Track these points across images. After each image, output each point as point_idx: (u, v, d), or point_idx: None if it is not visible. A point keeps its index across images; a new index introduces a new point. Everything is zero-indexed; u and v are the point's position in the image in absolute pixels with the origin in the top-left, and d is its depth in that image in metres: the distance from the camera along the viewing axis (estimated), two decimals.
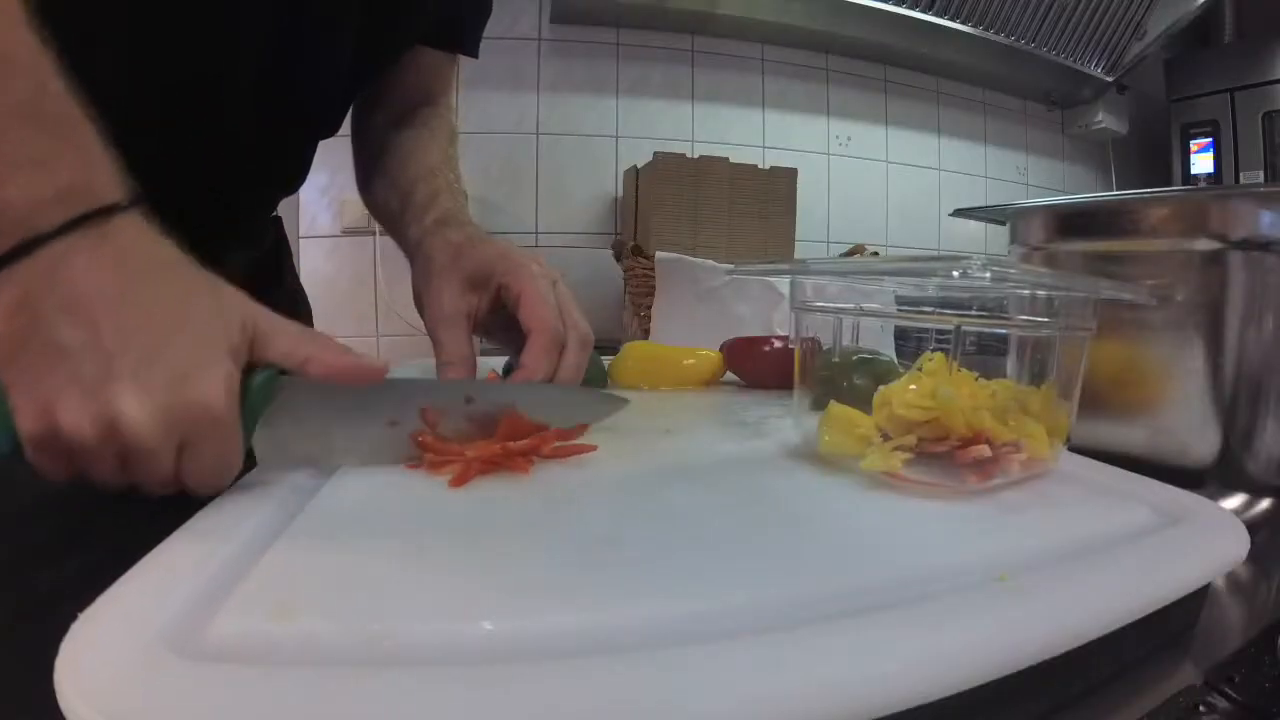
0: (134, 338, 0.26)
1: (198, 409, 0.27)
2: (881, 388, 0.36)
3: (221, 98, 0.43)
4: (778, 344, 0.64)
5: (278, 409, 0.31)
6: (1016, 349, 0.44)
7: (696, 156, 1.19)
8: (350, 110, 0.59)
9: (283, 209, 0.63)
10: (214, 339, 0.28)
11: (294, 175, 0.56)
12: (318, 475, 0.33)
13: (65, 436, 0.26)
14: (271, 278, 0.62)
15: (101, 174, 0.27)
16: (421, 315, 0.47)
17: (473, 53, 0.62)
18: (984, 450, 0.33)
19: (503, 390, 0.38)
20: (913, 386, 0.35)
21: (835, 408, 0.37)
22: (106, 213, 0.26)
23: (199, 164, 0.29)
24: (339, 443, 0.34)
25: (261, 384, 0.30)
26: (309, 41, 0.46)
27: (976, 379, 0.36)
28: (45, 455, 0.27)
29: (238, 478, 0.31)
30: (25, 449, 0.27)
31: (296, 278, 0.66)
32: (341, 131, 0.60)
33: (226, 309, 0.29)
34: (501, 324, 0.46)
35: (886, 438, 0.35)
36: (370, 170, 0.59)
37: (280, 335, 0.31)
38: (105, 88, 0.27)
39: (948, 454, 0.34)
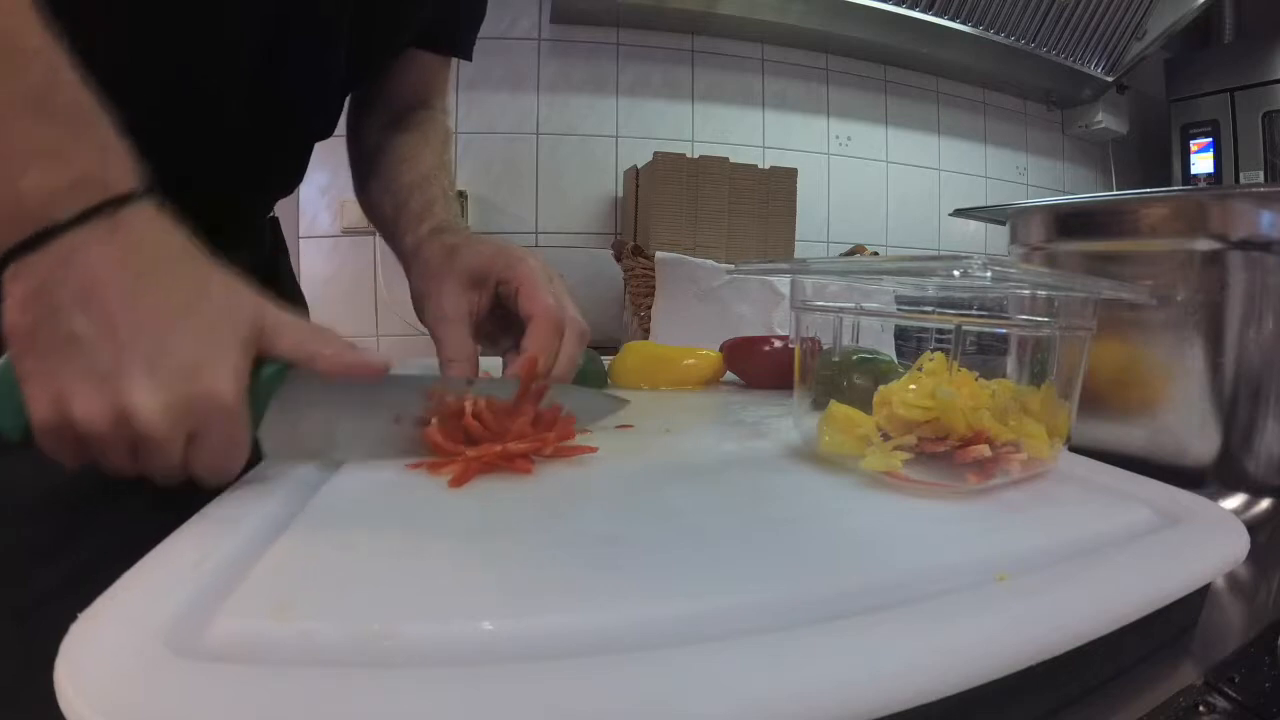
0: (146, 329, 0.26)
1: (208, 400, 0.27)
2: (881, 387, 0.36)
3: (218, 99, 0.43)
4: (777, 344, 0.64)
5: (284, 402, 0.32)
6: (1016, 349, 0.44)
7: (696, 156, 1.19)
8: (345, 112, 0.59)
9: (282, 209, 0.63)
10: (224, 331, 0.28)
11: (290, 177, 0.56)
12: (319, 473, 0.33)
13: (78, 426, 0.26)
14: (269, 279, 0.62)
15: (115, 163, 0.27)
16: (421, 319, 0.47)
17: (466, 55, 0.62)
18: (984, 450, 0.33)
19: (505, 385, 0.38)
20: (913, 386, 0.35)
21: (835, 407, 0.37)
22: (120, 202, 0.27)
23: (195, 166, 0.29)
24: (344, 437, 0.34)
25: (270, 377, 0.31)
26: (304, 43, 0.45)
27: (976, 379, 0.36)
28: (57, 443, 0.27)
29: (245, 469, 0.31)
30: (37, 437, 0.27)
31: (294, 279, 0.66)
32: (342, 132, 0.60)
33: (236, 301, 0.29)
34: (499, 325, 0.46)
35: (887, 438, 0.35)
36: (365, 174, 0.59)
37: (288, 330, 0.31)
38: (99, 90, 0.27)
39: (948, 454, 0.34)
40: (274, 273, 0.62)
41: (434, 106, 0.62)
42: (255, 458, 0.32)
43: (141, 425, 0.26)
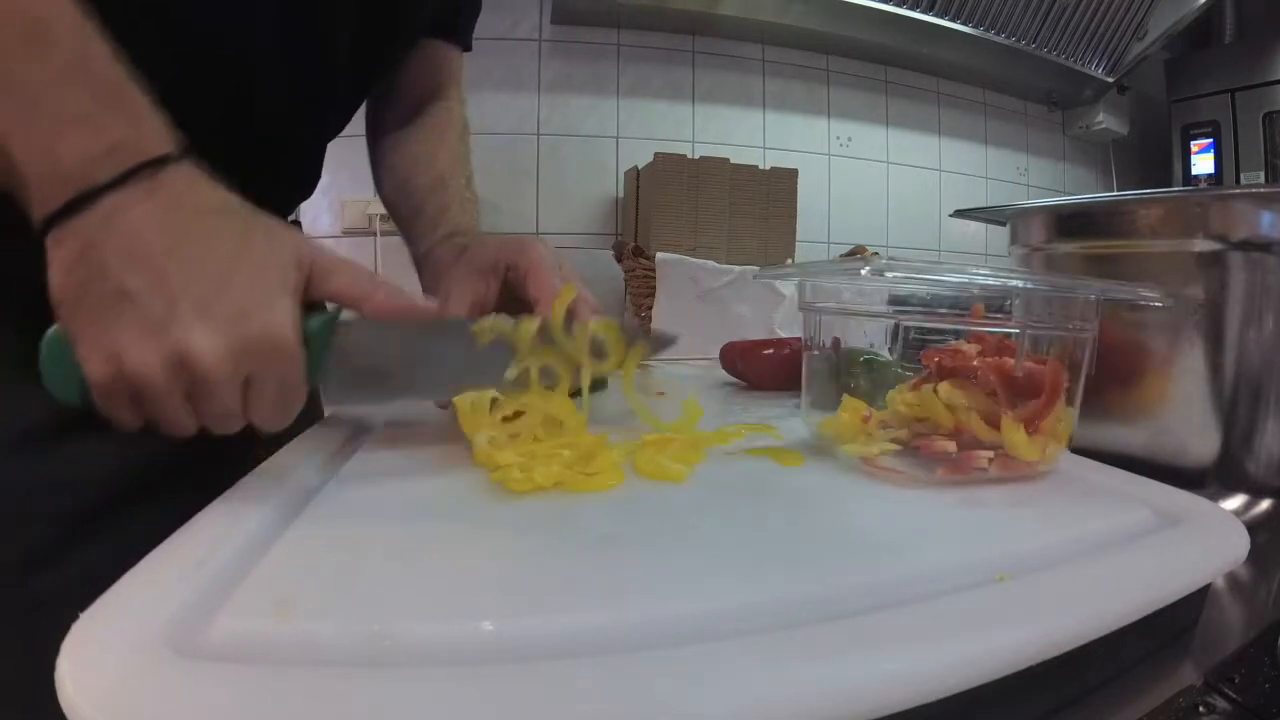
0: (196, 277, 0.27)
1: (263, 340, 0.27)
2: (895, 389, 0.37)
3: (248, 90, 0.43)
4: (778, 347, 0.64)
5: (338, 350, 0.32)
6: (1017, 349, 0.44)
7: (697, 157, 1.19)
8: (364, 109, 0.59)
9: None
10: (273, 274, 0.29)
11: (309, 176, 0.56)
12: (319, 473, 0.33)
13: (134, 378, 0.26)
14: None
15: (150, 129, 0.28)
16: None
17: (466, 45, 0.62)
18: (950, 446, 0.34)
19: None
20: (928, 387, 0.35)
21: (849, 401, 0.38)
22: (158, 164, 0.27)
23: (222, 168, 0.29)
24: (400, 380, 0.35)
25: (322, 325, 0.31)
26: (311, 36, 0.45)
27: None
28: (113, 401, 0.27)
29: (301, 421, 0.31)
30: (94, 395, 0.27)
31: None
32: (345, 132, 0.60)
33: (283, 247, 0.30)
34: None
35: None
36: (383, 172, 0.59)
37: (336, 273, 0.31)
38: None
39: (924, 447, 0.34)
40: None
41: (449, 96, 0.61)
42: (311, 408, 0.32)
43: (198, 369, 0.26)
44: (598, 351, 0.39)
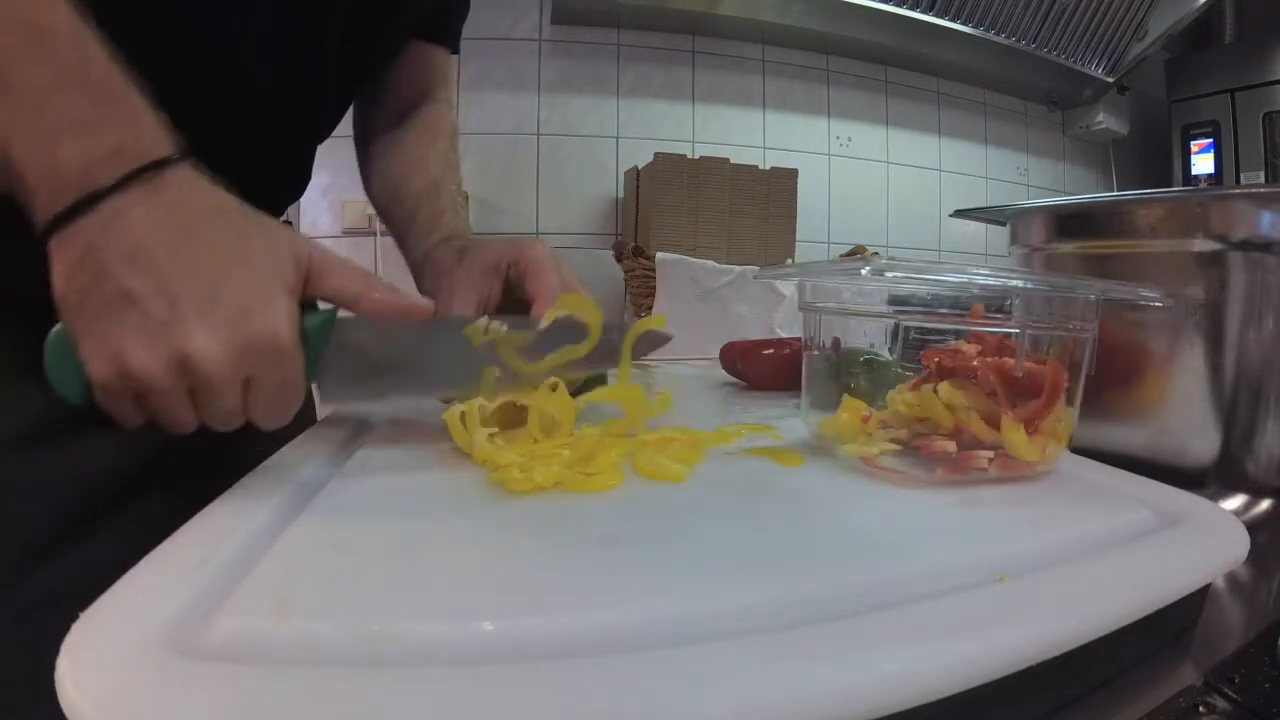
0: (195, 279, 0.27)
1: (262, 340, 0.28)
2: (895, 389, 0.37)
3: (252, 99, 0.43)
4: (778, 347, 0.64)
5: (335, 348, 0.33)
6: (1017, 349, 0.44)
7: (697, 157, 1.19)
8: (351, 110, 0.59)
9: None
10: (271, 276, 0.29)
11: (299, 178, 0.56)
12: (320, 473, 0.33)
13: (136, 378, 0.27)
14: None
15: (150, 132, 0.28)
16: None
17: (454, 47, 0.62)
18: (950, 446, 0.34)
19: (529, 326, 0.39)
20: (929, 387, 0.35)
21: (849, 401, 0.38)
22: (158, 166, 0.27)
23: (227, 167, 0.30)
24: (393, 379, 0.35)
25: (319, 325, 0.32)
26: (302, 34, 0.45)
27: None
28: (116, 399, 0.28)
29: (295, 425, 0.32)
30: (97, 394, 0.28)
31: None
32: (343, 132, 0.60)
33: (280, 246, 0.30)
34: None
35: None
36: (373, 175, 0.59)
37: (333, 272, 0.32)
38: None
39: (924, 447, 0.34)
40: None
41: (438, 99, 0.61)
42: (308, 407, 0.33)
43: (199, 370, 0.27)
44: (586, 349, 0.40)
